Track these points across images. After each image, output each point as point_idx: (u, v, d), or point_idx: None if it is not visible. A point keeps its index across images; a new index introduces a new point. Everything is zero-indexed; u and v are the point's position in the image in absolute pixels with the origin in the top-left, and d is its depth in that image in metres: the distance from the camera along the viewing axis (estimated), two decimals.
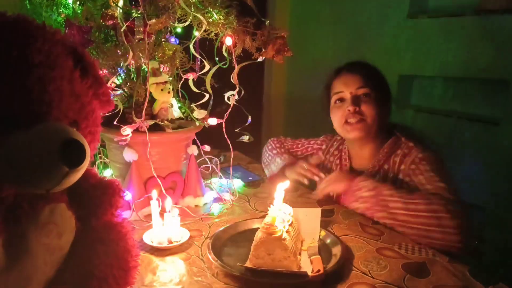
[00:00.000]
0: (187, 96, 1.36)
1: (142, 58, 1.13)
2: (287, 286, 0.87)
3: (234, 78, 1.24)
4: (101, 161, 1.31)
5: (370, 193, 1.22)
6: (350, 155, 1.51)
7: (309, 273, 0.87)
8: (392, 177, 1.34)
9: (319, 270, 0.88)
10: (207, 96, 1.29)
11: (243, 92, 1.28)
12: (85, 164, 0.65)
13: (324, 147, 1.65)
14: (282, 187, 1.01)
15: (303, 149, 1.75)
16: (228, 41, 1.19)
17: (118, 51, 1.11)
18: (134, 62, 1.15)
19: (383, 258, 1.00)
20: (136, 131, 1.12)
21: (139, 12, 1.08)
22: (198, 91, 1.30)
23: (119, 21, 1.06)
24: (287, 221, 0.97)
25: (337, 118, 1.40)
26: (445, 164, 1.31)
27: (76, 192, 0.73)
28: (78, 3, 1.11)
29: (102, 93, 0.77)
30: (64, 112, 0.66)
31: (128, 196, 1.14)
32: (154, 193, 1.07)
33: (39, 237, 0.65)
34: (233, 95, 1.28)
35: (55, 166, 0.59)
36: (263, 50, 1.24)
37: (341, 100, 1.39)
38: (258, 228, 0.96)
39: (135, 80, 1.19)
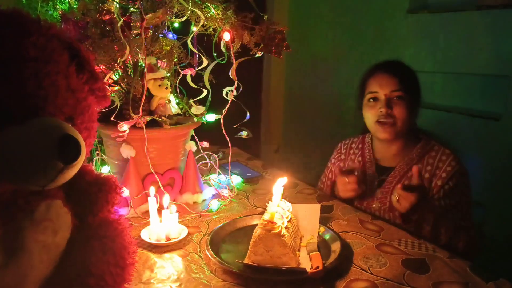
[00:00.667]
0: (185, 92, 1.35)
1: (139, 54, 1.12)
2: (286, 283, 0.86)
3: (232, 73, 1.23)
4: (98, 158, 1.31)
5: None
6: (374, 151, 1.51)
7: (308, 270, 0.87)
8: (427, 178, 1.36)
9: (318, 267, 0.87)
10: (205, 92, 1.28)
11: (241, 88, 1.26)
12: (81, 160, 0.64)
13: (343, 156, 1.61)
14: (280, 183, 1.00)
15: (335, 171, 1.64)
16: (226, 36, 1.18)
17: (115, 46, 1.09)
18: (131, 58, 1.14)
19: (383, 254, 0.99)
20: (134, 127, 1.11)
21: (136, 7, 1.07)
22: (196, 87, 1.29)
23: (115, 16, 1.05)
24: (286, 217, 0.97)
25: (369, 116, 1.41)
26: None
27: (72, 189, 0.73)
28: None
29: (98, 89, 0.76)
30: (60, 108, 0.65)
31: (125, 192, 1.13)
32: (152, 190, 1.06)
33: (34, 234, 0.65)
34: (231, 91, 1.27)
35: (50, 162, 0.58)
36: (262, 45, 1.22)
37: (375, 99, 1.40)
38: (257, 224, 0.95)
39: (132, 76, 1.18)
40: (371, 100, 1.40)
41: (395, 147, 1.44)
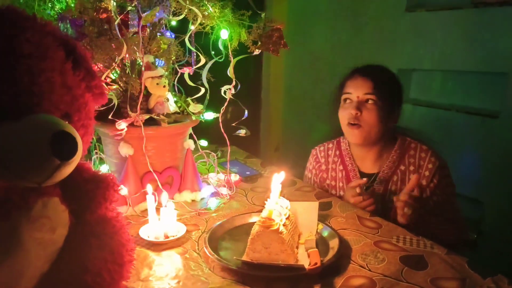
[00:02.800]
0: (183, 90, 1.35)
1: (137, 52, 1.12)
2: (284, 279, 0.86)
3: (230, 72, 1.23)
4: (97, 157, 1.31)
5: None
6: (354, 159, 1.50)
7: (306, 266, 0.87)
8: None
9: (316, 263, 0.87)
10: (203, 90, 1.28)
11: (239, 86, 1.26)
12: (77, 157, 0.64)
13: (323, 167, 1.57)
14: (277, 179, 1.00)
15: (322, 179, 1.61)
16: (224, 35, 1.18)
17: (113, 44, 1.09)
18: (128, 56, 1.14)
19: (381, 251, 0.99)
20: (132, 125, 1.11)
21: (133, 5, 1.07)
22: (194, 85, 1.29)
23: (113, 14, 1.05)
24: (284, 214, 0.97)
25: (341, 117, 1.42)
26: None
27: (69, 186, 0.73)
28: None
29: (94, 86, 0.76)
30: (56, 104, 0.65)
31: (123, 190, 1.13)
32: (150, 188, 1.06)
33: (31, 231, 0.65)
34: (230, 89, 1.27)
35: (46, 159, 0.58)
36: (259, 43, 1.23)
37: (348, 101, 1.40)
38: (255, 222, 0.95)
39: (130, 74, 1.18)
40: (345, 101, 1.41)
41: (373, 152, 1.43)
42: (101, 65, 1.14)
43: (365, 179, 1.34)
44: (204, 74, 1.25)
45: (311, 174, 1.62)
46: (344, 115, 1.39)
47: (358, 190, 1.28)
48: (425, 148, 1.37)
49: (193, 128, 1.32)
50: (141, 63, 1.14)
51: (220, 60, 1.24)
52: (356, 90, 1.37)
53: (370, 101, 1.35)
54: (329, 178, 1.55)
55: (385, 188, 1.39)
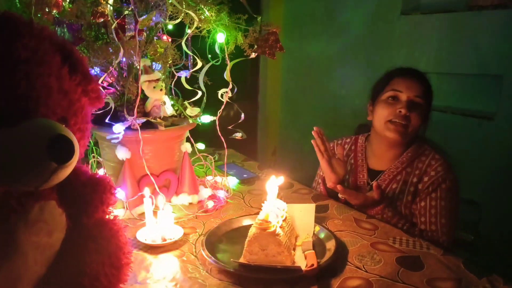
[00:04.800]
0: (180, 93, 1.35)
1: (133, 56, 1.13)
2: (281, 281, 0.87)
3: (226, 75, 1.24)
4: (94, 160, 1.31)
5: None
6: (367, 155, 1.50)
7: (303, 268, 0.87)
8: (415, 182, 1.36)
9: (313, 265, 0.87)
10: (200, 93, 1.29)
11: (236, 90, 1.27)
12: (74, 161, 0.64)
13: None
14: (274, 181, 1.01)
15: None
16: (220, 38, 1.18)
17: (109, 48, 1.10)
18: (125, 60, 1.15)
19: (377, 252, 1.00)
20: (129, 129, 1.12)
21: (129, 9, 1.07)
22: (191, 89, 1.30)
23: (109, 19, 1.06)
24: (281, 216, 0.97)
25: (383, 113, 1.38)
26: (460, 189, 1.37)
27: (66, 189, 0.73)
28: (68, 1, 1.10)
29: (91, 90, 0.76)
30: (52, 109, 0.65)
31: (120, 194, 1.13)
32: (147, 191, 1.06)
33: (28, 235, 0.65)
34: (226, 92, 1.27)
35: (43, 162, 0.58)
36: (255, 46, 1.23)
37: (395, 98, 1.37)
38: (252, 224, 0.95)
39: (127, 78, 1.18)
40: (391, 98, 1.38)
41: (393, 152, 1.43)
42: (98, 69, 1.14)
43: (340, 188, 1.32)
44: (201, 77, 1.25)
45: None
46: (388, 112, 1.37)
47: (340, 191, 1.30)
48: (438, 157, 1.36)
49: (190, 131, 1.32)
50: (138, 67, 1.14)
51: (217, 64, 1.25)
52: (408, 90, 1.35)
53: (418, 104, 1.35)
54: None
55: (387, 185, 1.39)
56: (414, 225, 1.34)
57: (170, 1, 1.09)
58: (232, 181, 1.51)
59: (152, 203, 1.05)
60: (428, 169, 1.35)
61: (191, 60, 1.29)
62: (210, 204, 1.28)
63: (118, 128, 1.08)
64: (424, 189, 1.34)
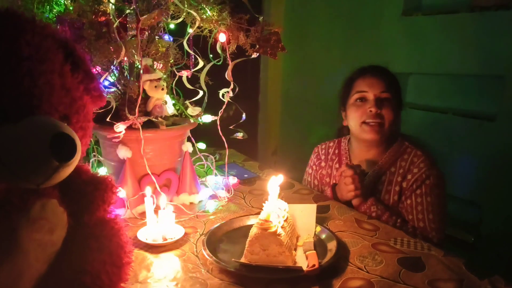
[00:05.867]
0: (181, 93, 1.35)
1: (135, 55, 1.13)
2: (282, 281, 0.86)
3: (228, 75, 1.23)
4: (95, 159, 1.31)
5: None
6: (351, 158, 1.52)
7: (304, 268, 0.87)
8: (400, 182, 1.37)
9: (314, 265, 0.87)
10: (201, 93, 1.29)
11: (237, 89, 1.27)
12: (76, 159, 0.64)
13: (323, 163, 1.60)
14: (275, 181, 1.01)
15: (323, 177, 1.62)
16: (222, 38, 1.18)
17: (111, 47, 1.10)
18: (127, 59, 1.15)
19: (379, 253, 0.99)
20: (130, 128, 1.12)
21: (131, 8, 1.07)
22: (193, 88, 1.29)
23: (111, 18, 1.05)
24: (282, 216, 0.97)
25: (356, 116, 1.41)
26: (445, 184, 1.37)
27: (68, 188, 0.73)
28: None
29: (93, 88, 0.76)
30: (55, 106, 0.65)
31: (121, 193, 1.13)
32: (148, 190, 1.06)
33: (30, 233, 0.65)
34: (228, 92, 1.27)
35: (45, 160, 0.58)
36: (257, 46, 1.23)
37: (363, 99, 1.40)
38: (254, 224, 0.95)
39: (128, 77, 1.18)
40: (358, 100, 1.41)
41: (373, 153, 1.44)
42: (99, 68, 1.14)
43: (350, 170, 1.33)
44: (202, 77, 1.25)
45: (312, 170, 1.64)
46: (359, 113, 1.39)
47: (349, 181, 1.31)
48: (419, 154, 1.38)
49: (191, 131, 1.32)
50: (139, 66, 1.14)
51: (218, 63, 1.25)
52: (372, 89, 1.38)
53: (386, 99, 1.38)
54: (326, 175, 1.56)
55: (372, 186, 1.40)
56: (406, 222, 1.34)
57: (172, 1, 1.09)
58: (232, 181, 1.50)
59: (153, 203, 1.05)
60: (411, 167, 1.36)
61: (193, 60, 1.29)
62: (211, 203, 1.27)
63: (120, 127, 1.08)
64: (409, 187, 1.35)
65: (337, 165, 1.54)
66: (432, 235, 1.30)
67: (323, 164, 1.60)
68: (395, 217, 1.31)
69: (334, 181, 1.52)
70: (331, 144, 1.61)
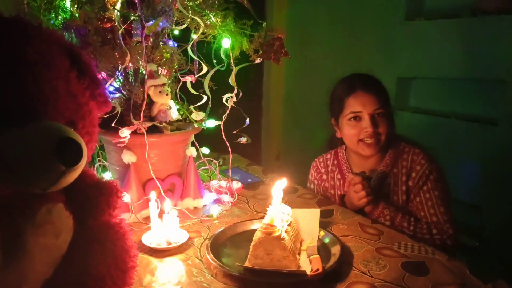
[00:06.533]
0: (185, 98, 1.36)
1: (140, 61, 1.14)
2: (286, 285, 0.86)
3: (232, 80, 1.24)
4: (100, 164, 1.32)
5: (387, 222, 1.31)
6: (351, 167, 1.52)
7: (308, 272, 0.87)
8: (405, 181, 1.38)
9: (318, 269, 0.87)
10: (205, 98, 1.30)
11: (241, 94, 1.28)
12: (82, 164, 0.65)
13: (324, 176, 1.61)
14: (279, 186, 1.01)
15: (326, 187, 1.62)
16: (226, 43, 1.19)
17: (116, 53, 1.11)
18: (132, 65, 1.16)
19: (382, 257, 0.99)
20: (135, 133, 1.12)
21: (136, 14, 1.08)
22: (197, 93, 1.30)
23: (116, 24, 1.07)
24: (286, 221, 0.97)
25: (352, 135, 1.40)
26: (446, 176, 1.38)
27: (73, 192, 0.73)
28: (76, 6, 1.12)
29: (99, 94, 0.77)
30: (61, 112, 0.66)
31: (126, 197, 1.14)
32: (153, 195, 1.07)
33: (36, 237, 0.65)
34: (231, 97, 1.28)
35: (52, 165, 0.59)
36: (260, 52, 1.24)
37: (357, 118, 1.38)
38: (257, 228, 0.95)
39: (133, 83, 1.19)
40: (353, 119, 1.39)
41: (373, 159, 1.44)
42: (105, 74, 1.15)
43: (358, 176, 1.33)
44: (206, 82, 1.26)
45: (314, 185, 1.64)
46: (355, 132, 1.38)
47: (359, 188, 1.30)
48: (418, 151, 1.38)
49: (195, 136, 1.33)
50: (144, 72, 1.15)
51: (222, 69, 1.26)
52: (366, 108, 1.36)
53: (381, 113, 1.37)
54: (329, 187, 1.56)
55: (378, 190, 1.40)
56: (419, 220, 1.34)
57: (176, 7, 1.10)
58: (236, 186, 1.51)
59: (158, 207, 1.06)
60: (413, 165, 1.37)
61: (197, 65, 1.30)
62: (215, 208, 1.28)
63: (124, 132, 1.09)
64: (415, 185, 1.35)
65: (338, 176, 1.54)
66: (447, 226, 1.30)
67: (324, 177, 1.60)
68: (408, 216, 1.31)
69: (339, 192, 1.52)
70: (329, 156, 1.61)
